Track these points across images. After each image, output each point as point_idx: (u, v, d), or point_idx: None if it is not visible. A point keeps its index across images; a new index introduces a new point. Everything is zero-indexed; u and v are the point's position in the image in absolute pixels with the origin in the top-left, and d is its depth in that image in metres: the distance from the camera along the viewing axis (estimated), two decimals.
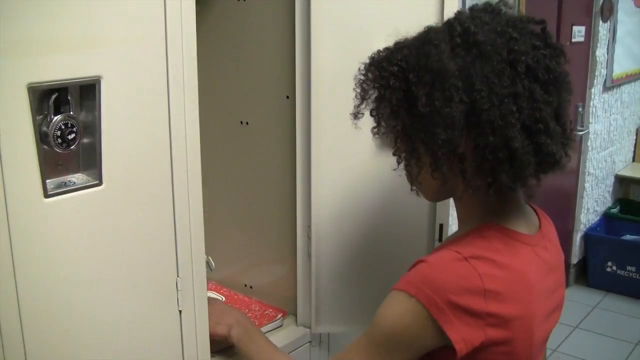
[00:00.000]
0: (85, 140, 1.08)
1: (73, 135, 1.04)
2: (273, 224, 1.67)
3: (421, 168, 1.09)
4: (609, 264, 4.30)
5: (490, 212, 1.11)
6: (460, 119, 1.00)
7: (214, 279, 1.77)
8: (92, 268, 1.09)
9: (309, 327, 1.60)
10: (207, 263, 1.33)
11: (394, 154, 1.14)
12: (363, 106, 1.14)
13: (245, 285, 1.77)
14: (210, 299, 1.34)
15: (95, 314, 1.11)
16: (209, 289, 1.53)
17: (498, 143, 1.00)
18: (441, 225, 1.52)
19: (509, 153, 1.00)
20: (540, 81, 1.02)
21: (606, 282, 4.33)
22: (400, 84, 1.05)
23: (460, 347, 1.00)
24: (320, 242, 1.54)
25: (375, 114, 1.13)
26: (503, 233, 1.09)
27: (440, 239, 1.52)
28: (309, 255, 1.55)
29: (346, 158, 1.50)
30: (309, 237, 1.54)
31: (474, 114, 1.00)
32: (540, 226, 1.17)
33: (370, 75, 1.11)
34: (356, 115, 1.15)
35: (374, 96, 1.12)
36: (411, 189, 1.16)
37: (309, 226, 1.54)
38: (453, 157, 1.04)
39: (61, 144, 1.03)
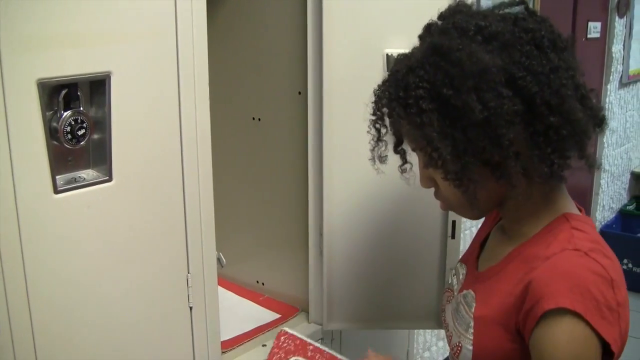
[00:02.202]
0: (95, 136, 1.08)
1: (83, 131, 1.04)
2: (285, 221, 1.66)
3: (477, 182, 1.00)
4: (625, 261, 4.25)
5: (555, 202, 1.07)
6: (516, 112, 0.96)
7: (225, 276, 1.77)
8: (102, 264, 1.09)
9: (321, 324, 1.59)
10: (218, 259, 1.33)
11: (445, 179, 1.02)
12: (383, 148, 1.10)
13: (257, 281, 1.77)
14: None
15: (105, 310, 1.11)
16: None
17: (560, 121, 0.96)
18: (454, 222, 1.51)
19: (571, 127, 0.97)
20: (562, 49, 1.00)
21: None
22: (434, 105, 0.98)
23: (617, 347, 0.95)
24: (332, 239, 1.53)
25: (400, 149, 1.11)
26: (582, 221, 1.06)
27: (453, 236, 1.51)
28: (321, 252, 1.55)
29: (358, 155, 1.48)
30: (321, 234, 1.53)
31: (522, 103, 0.96)
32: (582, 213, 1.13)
33: (379, 113, 1.05)
34: (380, 159, 1.11)
35: (404, 129, 1.05)
36: (472, 210, 1.07)
37: (321, 223, 1.53)
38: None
39: (71, 139, 1.03)
